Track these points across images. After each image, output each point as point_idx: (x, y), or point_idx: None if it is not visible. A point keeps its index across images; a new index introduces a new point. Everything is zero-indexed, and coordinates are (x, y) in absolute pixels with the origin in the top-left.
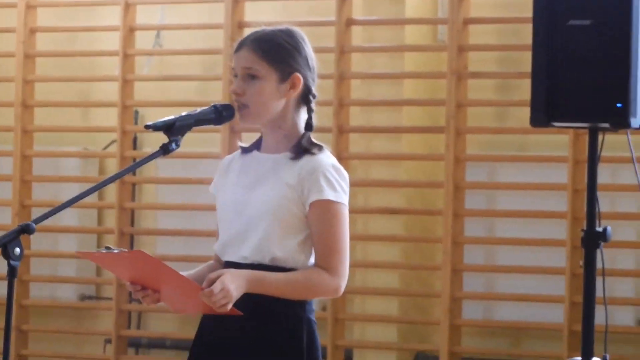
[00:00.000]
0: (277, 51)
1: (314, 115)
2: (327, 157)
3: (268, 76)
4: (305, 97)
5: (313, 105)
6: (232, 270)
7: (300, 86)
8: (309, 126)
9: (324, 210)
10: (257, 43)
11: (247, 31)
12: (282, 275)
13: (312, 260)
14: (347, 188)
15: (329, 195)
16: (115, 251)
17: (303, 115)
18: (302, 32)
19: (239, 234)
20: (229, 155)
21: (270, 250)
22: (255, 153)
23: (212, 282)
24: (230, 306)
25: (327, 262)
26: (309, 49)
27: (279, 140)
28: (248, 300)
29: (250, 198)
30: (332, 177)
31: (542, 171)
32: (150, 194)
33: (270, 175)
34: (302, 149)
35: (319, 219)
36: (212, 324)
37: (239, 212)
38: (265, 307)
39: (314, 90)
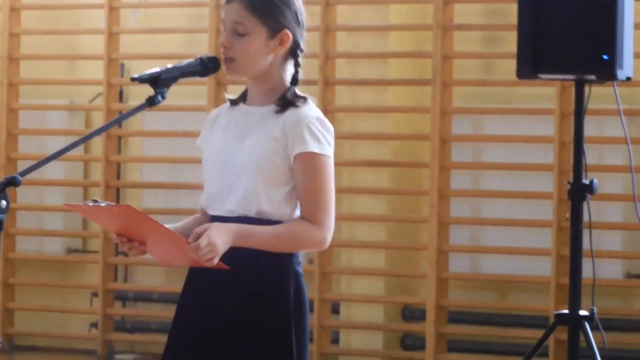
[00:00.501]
0: (267, 7)
1: (300, 70)
2: (311, 110)
3: (257, 32)
4: (293, 52)
5: (300, 59)
6: (219, 224)
7: (289, 42)
8: (294, 80)
9: (309, 162)
10: None
11: None
12: (269, 228)
13: (298, 212)
14: (331, 140)
15: (313, 147)
16: (103, 204)
17: (289, 69)
18: None
19: (224, 187)
20: (216, 108)
21: (256, 203)
22: (241, 106)
23: (199, 236)
24: (216, 260)
25: (312, 215)
26: (299, 4)
27: (265, 93)
28: (235, 254)
29: (236, 151)
30: (317, 130)
31: (528, 124)
32: (136, 147)
33: (255, 128)
34: (287, 101)
35: (303, 171)
36: (199, 278)
37: (225, 166)
38: (252, 260)
39: (302, 45)
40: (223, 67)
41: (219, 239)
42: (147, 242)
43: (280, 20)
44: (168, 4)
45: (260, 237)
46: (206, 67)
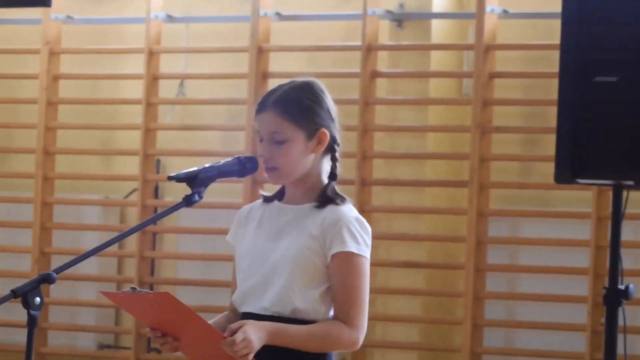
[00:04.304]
0: (301, 111)
1: (338, 164)
2: (350, 210)
3: (295, 137)
4: (330, 147)
5: (337, 154)
6: (254, 321)
7: (327, 140)
8: (333, 175)
9: (346, 262)
10: (280, 105)
11: (272, 82)
12: (303, 327)
13: (332, 312)
14: (369, 241)
15: (352, 247)
16: (142, 292)
17: (326, 165)
18: (320, 84)
19: (259, 284)
20: (248, 205)
21: (291, 301)
22: (276, 203)
23: (234, 331)
24: (251, 357)
25: (346, 315)
26: (329, 101)
27: (303, 193)
28: (269, 352)
29: (272, 248)
30: (355, 230)
31: (564, 227)
32: (171, 243)
33: (293, 226)
34: (327, 198)
35: (340, 270)
36: None
37: (260, 263)
38: (286, 359)
39: (339, 139)
40: (265, 175)
41: (254, 335)
42: (180, 338)
43: (315, 121)
44: (205, 100)
45: (294, 336)
46: (244, 167)
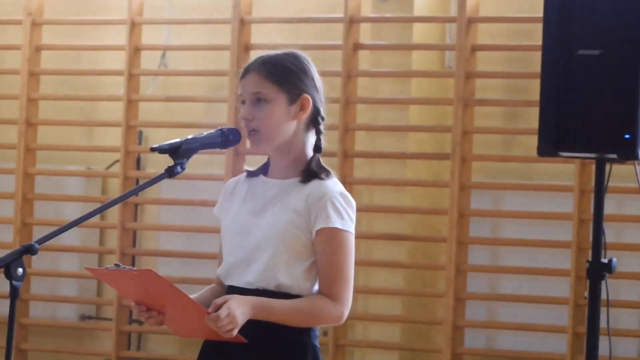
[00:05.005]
0: (284, 74)
1: (322, 138)
2: (334, 184)
3: (277, 99)
4: (314, 119)
5: (322, 127)
6: (238, 296)
7: (310, 108)
8: (317, 148)
9: (331, 238)
10: (264, 67)
11: (254, 53)
12: (287, 302)
13: (316, 287)
14: (354, 216)
15: (336, 223)
16: (125, 268)
17: (311, 138)
18: (306, 55)
19: (244, 259)
20: (233, 178)
21: (275, 277)
22: (261, 177)
23: (219, 307)
24: (235, 332)
25: (331, 290)
26: (314, 71)
27: (287, 166)
28: (253, 327)
29: (257, 223)
30: (340, 205)
31: (547, 200)
32: (153, 215)
33: (277, 200)
34: (312, 172)
35: (325, 246)
36: (214, 350)
37: (245, 237)
38: (270, 334)
39: (323, 112)
40: (247, 142)
41: (239, 311)
42: (165, 312)
43: (298, 86)
44: (188, 72)
45: (279, 311)
46: (226, 139)
